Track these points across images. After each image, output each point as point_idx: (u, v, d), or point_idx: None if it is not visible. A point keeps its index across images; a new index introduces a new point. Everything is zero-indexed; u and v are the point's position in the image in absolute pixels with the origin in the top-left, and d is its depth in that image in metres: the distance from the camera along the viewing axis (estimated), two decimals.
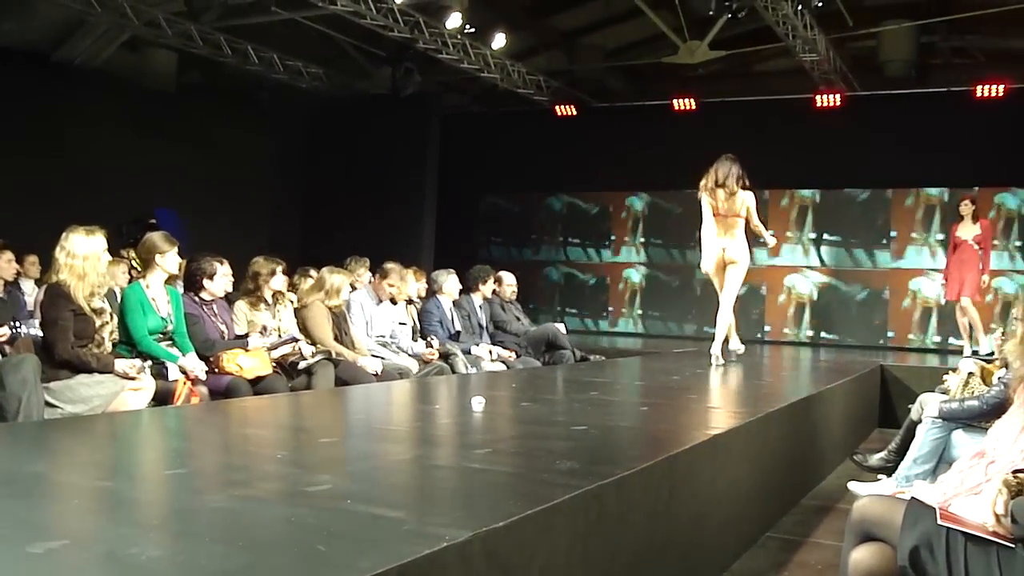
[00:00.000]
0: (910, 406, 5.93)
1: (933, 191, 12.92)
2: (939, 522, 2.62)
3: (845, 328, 13.38)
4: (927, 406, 5.17)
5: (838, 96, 12.97)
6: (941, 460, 4.91)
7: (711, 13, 11.19)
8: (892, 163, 12.65)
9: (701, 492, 3.64)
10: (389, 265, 7.67)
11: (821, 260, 13.56)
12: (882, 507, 2.87)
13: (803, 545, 4.41)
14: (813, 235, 13.58)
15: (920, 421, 5.20)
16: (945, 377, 5.72)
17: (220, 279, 6.06)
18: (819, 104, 13.01)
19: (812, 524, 4.82)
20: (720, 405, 5.33)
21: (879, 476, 5.52)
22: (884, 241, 13.18)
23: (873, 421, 8.26)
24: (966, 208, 9.89)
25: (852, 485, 5.36)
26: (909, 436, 5.38)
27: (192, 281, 5.95)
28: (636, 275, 14.43)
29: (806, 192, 13.62)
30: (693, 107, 13.49)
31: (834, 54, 12.28)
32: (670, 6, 11.99)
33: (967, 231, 9.84)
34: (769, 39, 11.82)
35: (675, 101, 13.57)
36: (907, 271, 13.01)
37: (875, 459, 6.07)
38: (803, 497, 5.40)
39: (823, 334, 13.49)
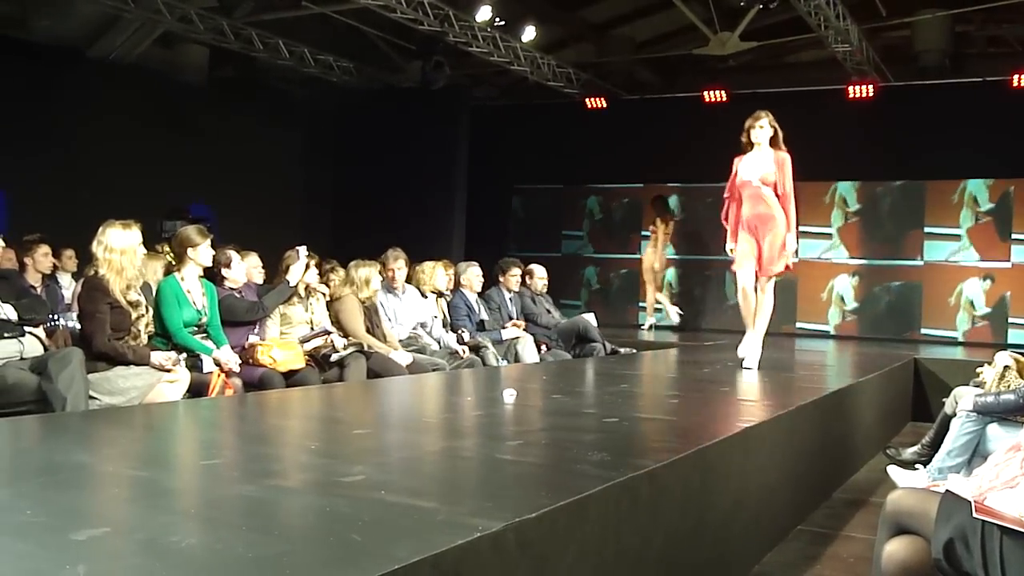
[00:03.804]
0: (944, 399, 5.89)
1: (969, 182, 12.76)
2: (974, 515, 2.60)
3: (878, 321, 13.24)
4: (961, 399, 5.13)
5: (871, 87, 12.82)
6: (975, 454, 4.87)
7: (742, 4, 11.10)
8: (926, 154, 12.49)
9: (732, 484, 3.64)
10: (387, 252, 7.62)
11: (854, 252, 13.43)
12: (916, 500, 2.86)
13: (835, 538, 4.40)
14: (846, 227, 13.45)
15: (954, 415, 5.16)
16: (979, 370, 5.66)
17: (237, 266, 6.15)
18: (852, 95, 12.86)
19: (844, 517, 4.80)
20: (752, 398, 5.31)
21: (915, 467, 5.48)
22: (919, 233, 13.03)
23: (906, 415, 8.20)
24: None
25: (891, 469, 5.32)
26: (943, 430, 5.34)
27: (212, 275, 6.01)
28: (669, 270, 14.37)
29: (838, 184, 13.50)
30: (724, 99, 13.39)
31: (867, 44, 12.14)
32: None
33: None
34: (801, 30, 11.71)
35: (705, 93, 13.49)
36: (942, 264, 12.87)
37: (908, 453, 6.04)
38: (835, 490, 5.37)
39: (856, 327, 13.37)
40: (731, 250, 6.72)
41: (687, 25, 12.49)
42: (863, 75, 12.69)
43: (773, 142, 6.68)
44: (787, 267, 6.67)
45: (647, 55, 14.30)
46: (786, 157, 6.62)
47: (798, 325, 13.58)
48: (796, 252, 6.77)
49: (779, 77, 13.31)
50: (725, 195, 6.85)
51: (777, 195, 6.56)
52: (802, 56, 13.68)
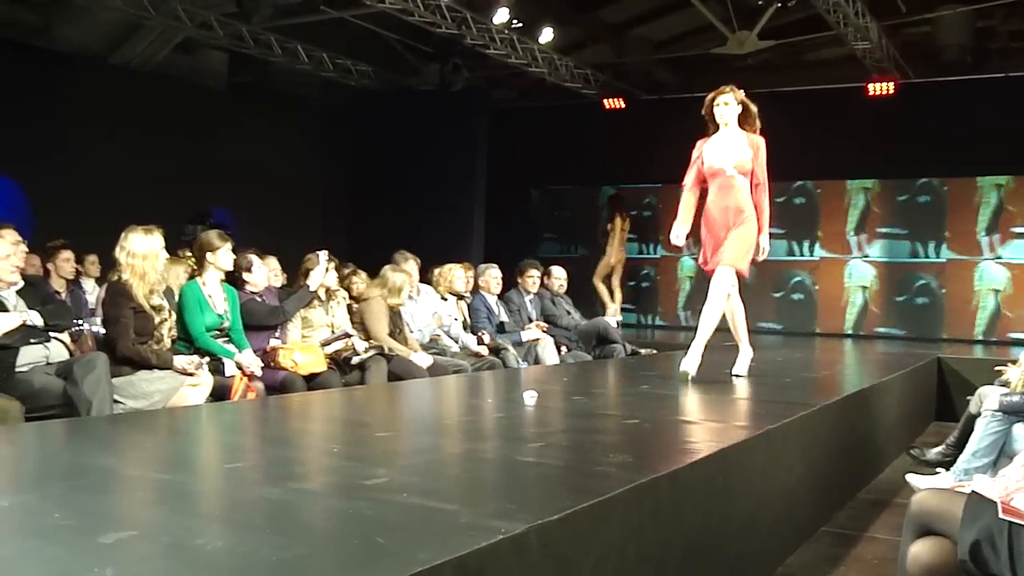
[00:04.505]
0: (968, 399, 5.84)
1: (991, 179, 12.65)
2: (1001, 516, 2.59)
3: (900, 320, 13.15)
4: (986, 399, 5.09)
5: (892, 84, 12.75)
6: (1001, 454, 4.83)
7: (760, 3, 11.06)
8: (948, 151, 12.39)
9: (755, 485, 3.63)
10: (395, 256, 7.65)
11: (875, 252, 13.35)
12: (941, 501, 2.84)
13: (859, 539, 4.38)
14: (867, 226, 13.37)
15: (979, 414, 5.12)
16: (1003, 369, 5.62)
17: (258, 270, 6.18)
18: (872, 92, 12.79)
19: (868, 518, 4.77)
20: (773, 398, 5.28)
21: (937, 470, 5.45)
22: (940, 231, 12.93)
23: (930, 414, 8.14)
24: None
25: (911, 478, 5.29)
26: (968, 429, 5.30)
27: (234, 279, 6.03)
28: (687, 268, 14.33)
29: (859, 183, 13.41)
30: None
31: (887, 41, 12.07)
32: None
33: None
34: (820, 27, 11.65)
35: None
36: (964, 261, 12.77)
37: (933, 453, 6.00)
38: (859, 491, 5.34)
39: (877, 327, 13.28)
40: (677, 236, 5.74)
41: (705, 24, 12.46)
42: (884, 72, 12.61)
43: (743, 122, 5.73)
44: (746, 271, 5.80)
45: (665, 55, 14.27)
46: (761, 141, 5.70)
47: (818, 322, 13.52)
48: (765, 251, 5.83)
49: (798, 75, 13.26)
50: (684, 184, 5.86)
51: (752, 186, 5.67)
52: (821, 54, 13.61)
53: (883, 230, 13.31)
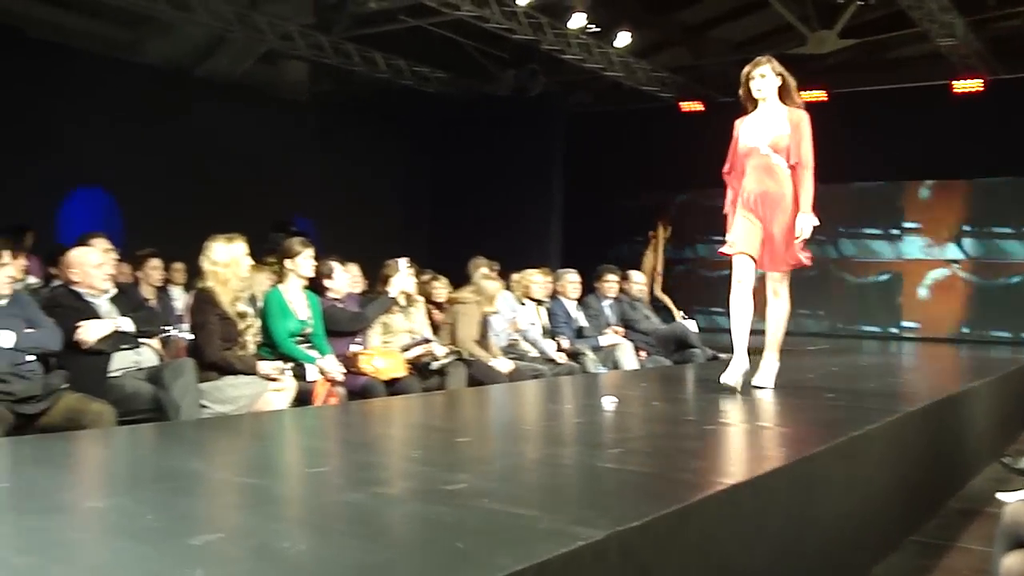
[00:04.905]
0: None
1: None
2: None
3: (992, 322, 12.78)
4: None
5: (979, 81, 12.40)
6: None
7: (840, 1, 10.87)
8: None
9: (838, 493, 3.56)
10: (470, 262, 7.70)
11: (964, 252, 12.99)
12: None
13: (949, 550, 4.26)
14: (955, 226, 13.02)
15: None
16: None
17: (340, 276, 6.27)
18: (958, 90, 12.46)
19: (958, 528, 4.64)
20: (858, 404, 5.17)
21: None
22: None
23: (1023, 421, 7.88)
24: None
25: (1001, 496, 5.12)
26: None
27: (315, 285, 6.12)
28: None
29: (946, 182, 13.07)
30: (824, 98, 13.13)
31: (974, 37, 11.74)
32: None
33: None
34: (903, 24, 11.41)
35: (804, 92, 13.21)
36: None
37: None
38: (948, 500, 5.20)
39: (967, 329, 12.92)
40: (731, 244, 5.13)
41: (783, 24, 12.30)
42: (970, 69, 12.27)
43: (783, 96, 5.15)
44: (803, 260, 5.06)
45: (743, 56, 14.09)
46: (803, 116, 5.10)
47: (905, 324, 13.21)
48: (805, 241, 5.00)
49: (880, 74, 13.00)
50: (725, 170, 5.35)
51: (790, 166, 5.01)
52: (904, 52, 13.31)
53: (970, 229, 12.96)
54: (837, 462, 3.52)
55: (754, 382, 5.11)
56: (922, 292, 13.16)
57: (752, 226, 5.02)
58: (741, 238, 5.03)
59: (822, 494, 3.39)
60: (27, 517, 2.32)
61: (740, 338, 5.04)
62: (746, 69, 5.15)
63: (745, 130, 5.13)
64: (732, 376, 4.96)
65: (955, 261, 13.00)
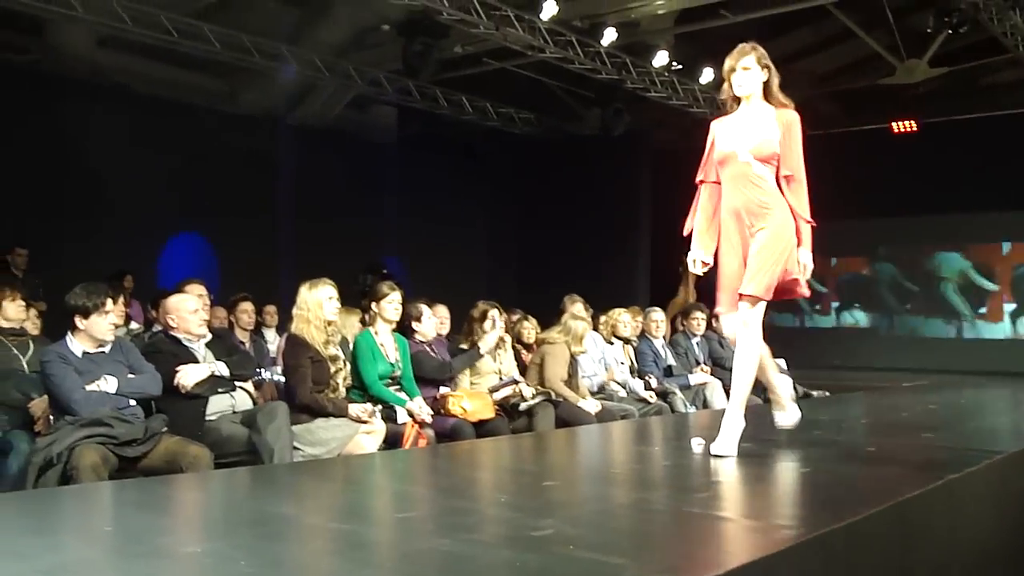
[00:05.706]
0: None
1: None
2: None
3: None
4: None
5: None
6: None
7: (929, 30, 10.66)
8: None
9: (939, 541, 3.44)
10: (564, 299, 7.70)
11: None
12: None
13: None
14: None
15: None
16: None
17: (428, 321, 6.31)
18: None
19: None
20: (957, 444, 4.99)
21: None
22: None
23: None
24: None
25: None
26: None
27: (403, 327, 6.20)
28: None
29: None
30: (913, 128, 12.85)
31: None
32: (884, 25, 11.52)
33: None
34: (995, 51, 11.13)
35: (893, 124, 12.97)
36: None
37: None
38: None
39: None
40: (693, 261, 4.30)
41: (870, 54, 12.12)
42: None
43: (768, 94, 4.30)
44: (799, 291, 4.20)
45: (829, 88, 13.91)
46: (795, 117, 4.25)
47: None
48: (808, 269, 4.16)
49: (974, 102, 12.65)
50: (698, 180, 4.45)
51: (779, 178, 4.16)
52: (998, 78, 12.95)
53: None
54: (935, 507, 3.41)
55: (712, 449, 4.12)
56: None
57: (733, 249, 4.16)
58: (726, 273, 4.19)
59: (920, 539, 3.29)
60: (130, 561, 2.42)
61: (775, 384, 4.48)
62: (728, 62, 4.28)
63: (722, 133, 4.29)
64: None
65: None
